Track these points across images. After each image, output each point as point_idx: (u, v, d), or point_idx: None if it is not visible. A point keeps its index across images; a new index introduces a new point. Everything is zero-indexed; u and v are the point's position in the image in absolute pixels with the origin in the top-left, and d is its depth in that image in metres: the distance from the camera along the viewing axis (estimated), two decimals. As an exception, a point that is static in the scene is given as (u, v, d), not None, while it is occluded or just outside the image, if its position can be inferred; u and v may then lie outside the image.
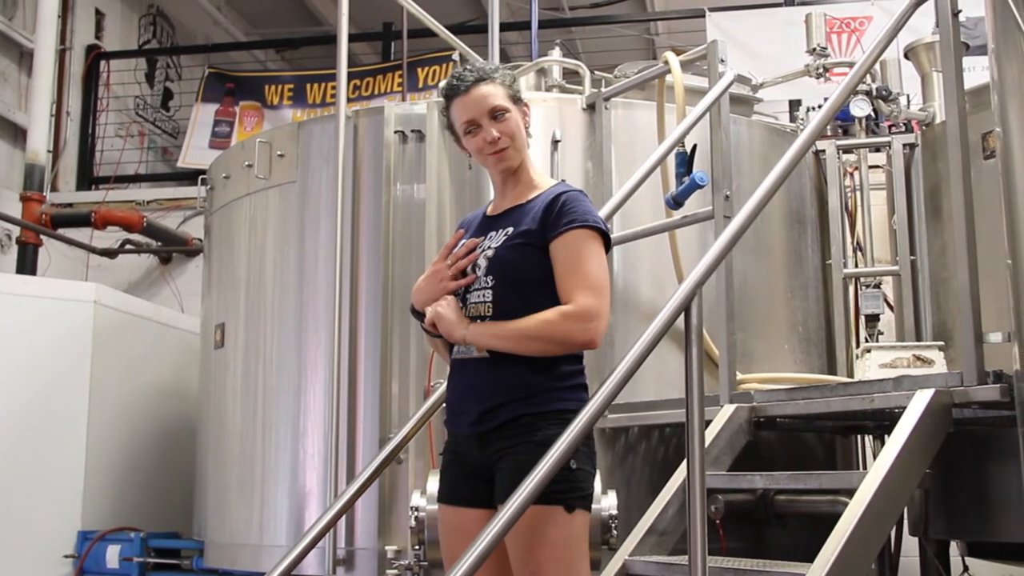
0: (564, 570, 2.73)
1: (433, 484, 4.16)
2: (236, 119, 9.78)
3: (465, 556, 2.40)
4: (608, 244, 2.88)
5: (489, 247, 2.93)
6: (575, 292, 2.77)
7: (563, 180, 3.04)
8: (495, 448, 2.82)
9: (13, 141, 9.04)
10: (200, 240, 7.52)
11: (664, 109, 4.88)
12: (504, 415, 2.81)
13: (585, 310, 2.75)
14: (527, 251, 2.87)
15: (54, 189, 9.17)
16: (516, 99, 3.00)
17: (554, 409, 2.79)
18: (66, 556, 5.98)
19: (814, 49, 5.72)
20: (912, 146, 5.48)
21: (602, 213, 4.43)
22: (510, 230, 2.92)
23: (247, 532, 5.23)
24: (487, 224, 3.02)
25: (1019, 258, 3.09)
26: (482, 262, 2.91)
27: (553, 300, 2.80)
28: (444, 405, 3.04)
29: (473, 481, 2.88)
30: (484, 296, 2.88)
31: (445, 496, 2.97)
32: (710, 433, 3.81)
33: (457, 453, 2.95)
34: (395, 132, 5.02)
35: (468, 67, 3.06)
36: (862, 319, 5.51)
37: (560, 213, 2.84)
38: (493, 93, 2.95)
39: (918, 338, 5.25)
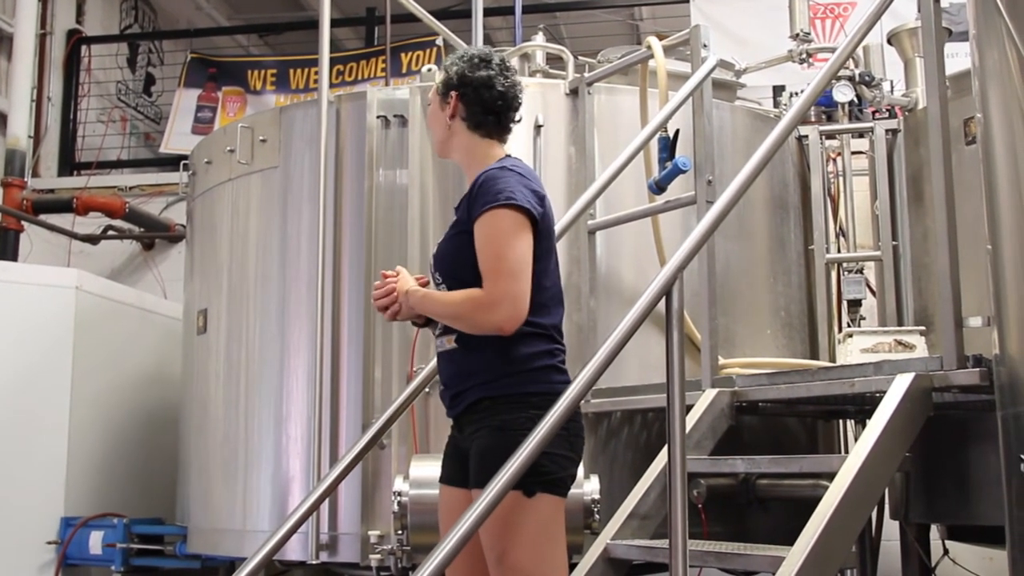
0: (530, 554, 2.74)
1: (416, 469, 4.19)
2: (219, 104, 9.73)
3: (439, 548, 2.42)
4: (531, 215, 2.83)
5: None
6: (486, 280, 2.78)
7: (507, 155, 3.01)
8: (467, 432, 2.90)
9: (-7, 127, 8.99)
10: (183, 226, 7.50)
11: (647, 94, 4.87)
12: (466, 400, 2.88)
13: (491, 298, 2.75)
14: (460, 241, 2.89)
15: (35, 175, 9.10)
16: (444, 88, 3.04)
17: (514, 393, 2.81)
18: (49, 542, 5.96)
19: (797, 34, 5.73)
20: (894, 132, 5.49)
21: (584, 198, 4.46)
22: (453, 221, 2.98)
23: (230, 517, 5.22)
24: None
25: (999, 243, 3.11)
26: (431, 260, 3.02)
27: None
28: (427, 390, 3.10)
29: (458, 462, 2.94)
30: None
31: (441, 476, 3.05)
32: (692, 418, 3.83)
33: (452, 435, 3.04)
34: (378, 117, 5.01)
35: None
36: (844, 304, 5.52)
37: (477, 196, 2.85)
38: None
39: (900, 323, 5.27)
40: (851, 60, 5.43)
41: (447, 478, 3.02)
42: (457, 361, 2.93)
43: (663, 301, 2.86)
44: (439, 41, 6.20)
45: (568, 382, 2.85)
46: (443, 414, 3.04)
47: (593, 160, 4.90)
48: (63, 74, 9.63)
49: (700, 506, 3.80)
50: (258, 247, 5.31)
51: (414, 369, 4.61)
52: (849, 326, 5.37)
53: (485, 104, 3.00)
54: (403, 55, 9.35)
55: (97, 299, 6.51)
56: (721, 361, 4.37)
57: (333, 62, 8.13)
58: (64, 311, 6.25)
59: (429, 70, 5.33)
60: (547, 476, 2.73)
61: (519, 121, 3.12)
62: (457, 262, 2.90)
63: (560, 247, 4.42)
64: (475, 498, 2.62)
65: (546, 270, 2.89)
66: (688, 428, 3.61)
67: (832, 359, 5.11)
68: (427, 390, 3.80)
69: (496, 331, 2.76)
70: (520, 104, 3.09)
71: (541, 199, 2.88)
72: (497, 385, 2.82)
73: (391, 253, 4.85)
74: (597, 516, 4.06)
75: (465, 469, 2.89)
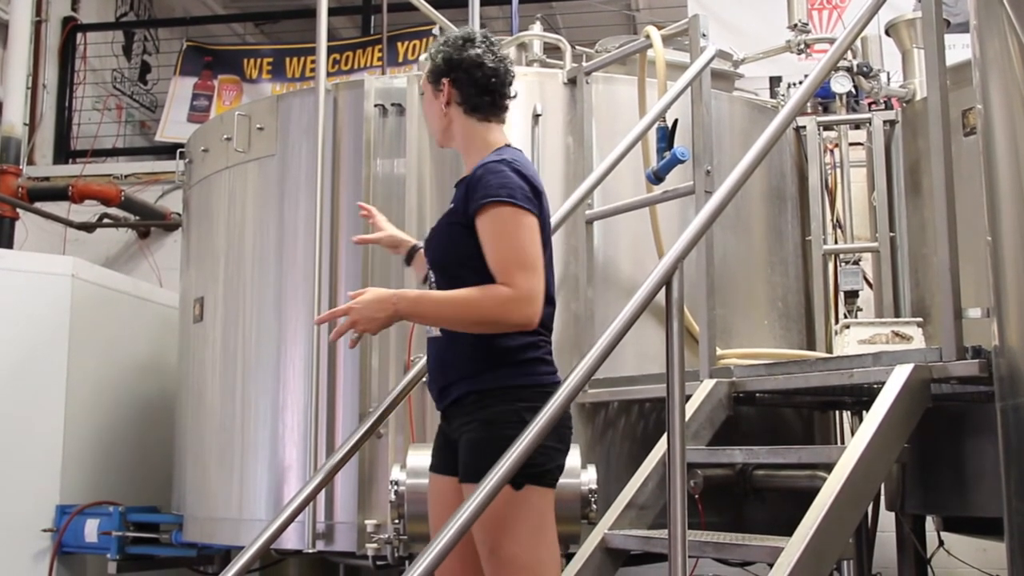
0: (522, 546, 2.74)
1: (413, 458, 4.18)
2: (215, 93, 9.71)
3: (431, 545, 2.43)
4: (535, 211, 2.81)
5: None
6: (507, 275, 2.73)
7: (506, 146, 2.97)
8: (455, 424, 2.89)
9: (-12, 114, 8.95)
10: (179, 214, 7.48)
11: (645, 84, 4.86)
12: (454, 393, 2.87)
13: (519, 293, 2.71)
14: (453, 230, 2.87)
15: (31, 162, 9.08)
16: (434, 76, 3.01)
17: (499, 386, 2.79)
18: (44, 530, 5.95)
19: (795, 25, 5.72)
20: (892, 123, 5.49)
21: (582, 188, 4.45)
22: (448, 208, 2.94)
23: (226, 506, 5.22)
24: None
25: (999, 235, 3.10)
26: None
27: (484, 279, 2.76)
28: (424, 380, 3.10)
29: (448, 451, 2.95)
30: (432, 279, 2.96)
31: (431, 464, 3.05)
32: (690, 408, 3.82)
33: (441, 426, 3.04)
34: (375, 106, 4.99)
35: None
36: (841, 295, 5.52)
37: (476, 188, 2.81)
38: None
39: (897, 314, 5.27)
40: (849, 51, 5.43)
41: (436, 467, 3.02)
42: (442, 350, 2.91)
43: (662, 291, 2.86)
44: (436, 30, 6.17)
45: (554, 373, 2.87)
46: (439, 404, 3.03)
47: (591, 150, 4.89)
48: (59, 62, 9.60)
49: (697, 496, 3.80)
50: (255, 236, 5.29)
51: (411, 358, 4.60)
52: (846, 317, 5.37)
53: (478, 84, 2.96)
54: (400, 44, 9.32)
55: (93, 287, 6.50)
56: (719, 352, 4.37)
57: (330, 51, 8.08)
58: (59, 299, 6.24)
59: (427, 59, 5.31)
60: (534, 468, 2.71)
61: (515, 97, 3.08)
62: (447, 252, 2.89)
63: (558, 237, 4.45)
64: (466, 493, 2.66)
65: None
66: (686, 418, 3.61)
67: (829, 350, 5.11)
68: (424, 379, 3.79)
69: (521, 328, 2.75)
70: (512, 79, 3.04)
71: (538, 194, 2.86)
72: (483, 379, 2.81)
73: (388, 242, 4.84)
74: (594, 506, 4.06)
75: (454, 459, 2.89)
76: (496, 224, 2.77)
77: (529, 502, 2.72)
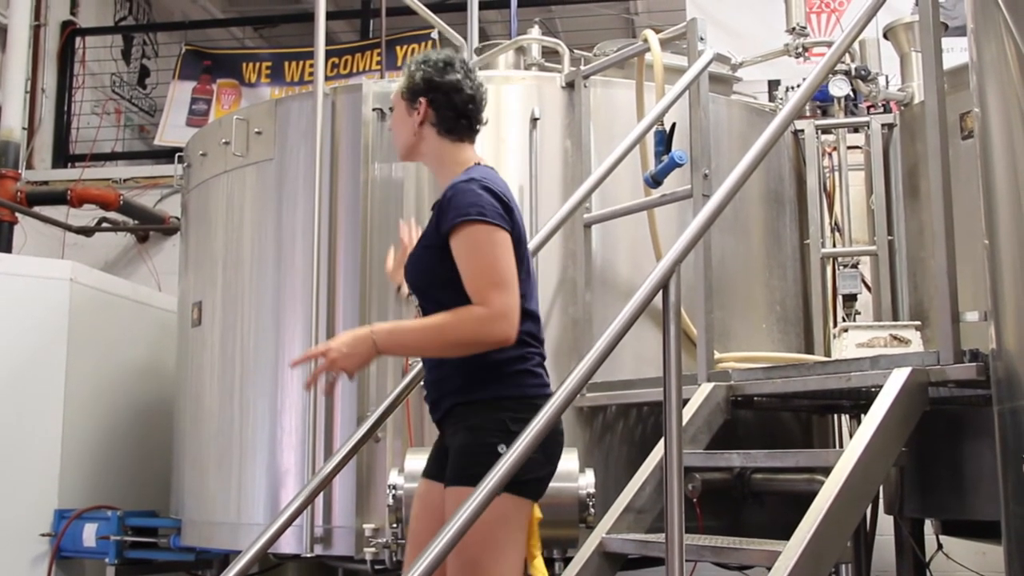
0: (488, 551, 2.75)
1: (411, 462, 4.19)
2: (214, 97, 9.71)
3: (420, 558, 2.42)
4: (507, 227, 2.82)
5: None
6: (485, 292, 2.74)
7: (477, 164, 2.99)
8: (448, 434, 2.94)
9: (-13, 118, 8.94)
10: (177, 218, 7.49)
11: (643, 87, 4.87)
12: (444, 407, 2.93)
13: (493, 312, 2.73)
14: (429, 253, 2.90)
15: (29, 167, 9.08)
16: (410, 94, 3.05)
17: (486, 397, 2.83)
18: (43, 534, 5.95)
19: (793, 28, 5.72)
20: (890, 126, 5.49)
21: (580, 191, 4.45)
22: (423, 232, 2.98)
23: (224, 510, 5.21)
24: None
25: (996, 238, 3.11)
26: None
27: (464, 299, 2.78)
28: (422, 384, 3.14)
29: (439, 457, 2.99)
30: (416, 304, 3.00)
31: (424, 468, 3.09)
32: (688, 411, 3.82)
33: (440, 434, 3.07)
34: (373, 110, 4.99)
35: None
36: (839, 299, 5.52)
37: (446, 209, 2.83)
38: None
39: (895, 318, 5.27)
40: (847, 54, 5.43)
41: (426, 471, 3.06)
42: (434, 366, 2.98)
43: (659, 295, 2.86)
44: (434, 34, 6.18)
45: (543, 385, 2.89)
46: (437, 408, 3.04)
47: (589, 154, 4.89)
48: (57, 66, 9.60)
49: (695, 500, 3.80)
50: (253, 240, 5.29)
51: (409, 362, 4.59)
52: (844, 321, 5.37)
53: (456, 108, 3.01)
54: (398, 48, 9.33)
55: (91, 291, 6.49)
56: (717, 355, 4.37)
57: (328, 55, 8.10)
58: (58, 303, 6.23)
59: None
60: (516, 476, 2.62)
61: (486, 123, 3.11)
62: (425, 275, 2.93)
63: (556, 241, 4.47)
64: (448, 498, 2.76)
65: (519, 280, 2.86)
66: (684, 422, 3.61)
67: (827, 354, 5.11)
68: (422, 384, 3.79)
69: (500, 345, 2.76)
70: (486, 105, 3.08)
71: (510, 210, 2.86)
72: (469, 391, 2.85)
73: (386, 246, 4.78)
74: (592, 510, 4.06)
75: (441, 466, 2.92)
76: (468, 243, 2.79)
77: (498, 508, 2.65)
